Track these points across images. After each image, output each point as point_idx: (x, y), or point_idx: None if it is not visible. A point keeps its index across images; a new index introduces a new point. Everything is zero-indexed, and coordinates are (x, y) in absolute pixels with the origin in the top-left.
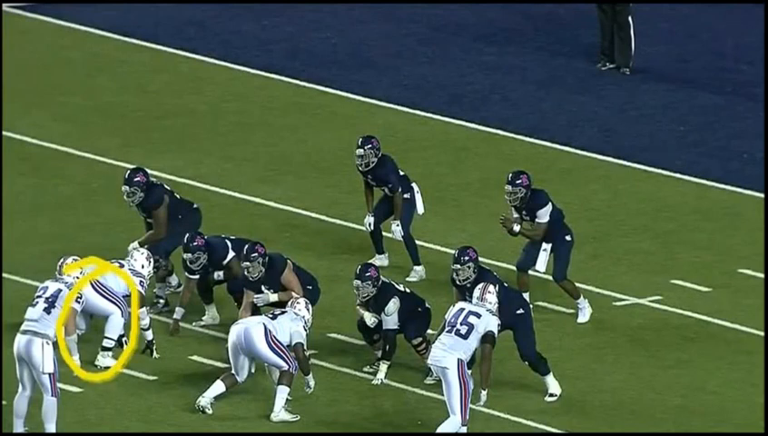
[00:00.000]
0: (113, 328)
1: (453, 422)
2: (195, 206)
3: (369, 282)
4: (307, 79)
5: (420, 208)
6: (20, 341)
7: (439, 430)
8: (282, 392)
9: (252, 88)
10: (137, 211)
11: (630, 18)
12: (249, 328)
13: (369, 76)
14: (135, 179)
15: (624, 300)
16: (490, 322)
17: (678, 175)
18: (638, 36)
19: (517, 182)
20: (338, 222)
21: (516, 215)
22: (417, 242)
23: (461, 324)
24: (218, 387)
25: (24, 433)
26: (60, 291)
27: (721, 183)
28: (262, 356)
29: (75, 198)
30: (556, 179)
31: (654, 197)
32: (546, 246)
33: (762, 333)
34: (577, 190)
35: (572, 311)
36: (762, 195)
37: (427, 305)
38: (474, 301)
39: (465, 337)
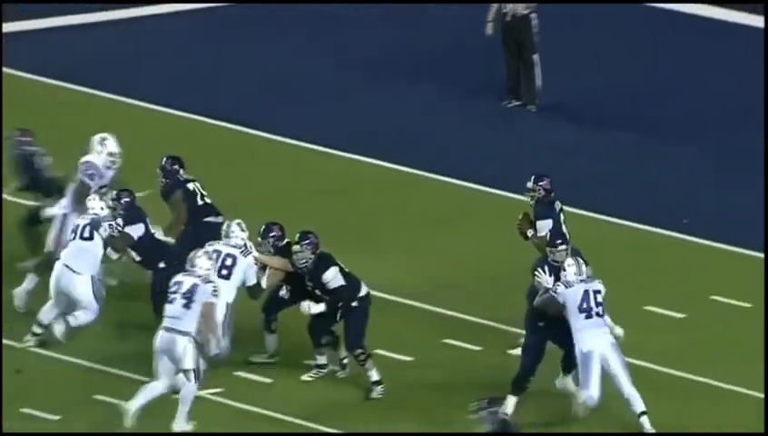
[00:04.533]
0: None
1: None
2: (218, 218)
3: (309, 248)
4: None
5: None
6: (162, 337)
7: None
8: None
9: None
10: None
11: (536, 56)
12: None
13: (276, 113)
14: (163, 164)
15: None
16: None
17: (584, 212)
18: (545, 73)
19: (540, 182)
20: None
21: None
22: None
23: (597, 306)
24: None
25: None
26: (196, 285)
27: (627, 220)
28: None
29: None
30: (462, 216)
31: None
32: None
33: (670, 371)
34: (485, 227)
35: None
36: (662, 231)
37: (364, 292)
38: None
39: (601, 315)
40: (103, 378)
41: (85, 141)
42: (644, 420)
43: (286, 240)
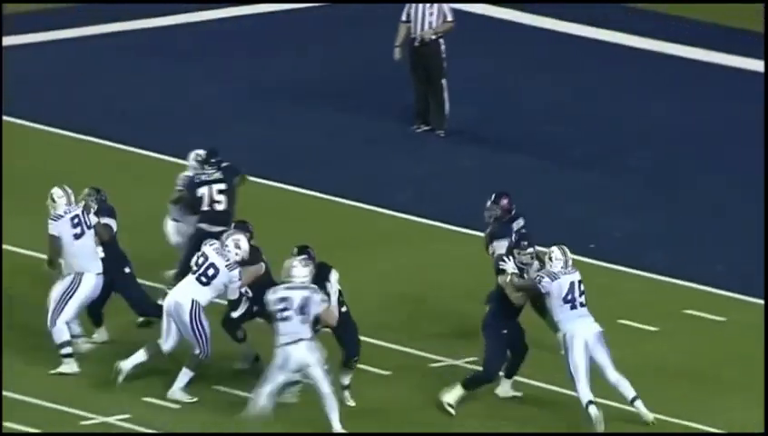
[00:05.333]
0: None
1: None
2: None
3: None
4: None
5: None
6: (296, 351)
7: None
8: (186, 375)
9: (66, 149)
10: None
11: (444, 81)
12: (179, 300)
13: (184, 138)
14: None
15: (441, 361)
16: None
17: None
18: (453, 98)
19: (499, 201)
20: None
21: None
22: None
23: (580, 296)
24: (139, 356)
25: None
26: (307, 299)
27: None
28: (184, 330)
29: None
30: (374, 241)
31: (471, 258)
32: None
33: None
34: (394, 252)
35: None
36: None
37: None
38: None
39: (585, 304)
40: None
41: None
42: (639, 403)
43: (252, 240)
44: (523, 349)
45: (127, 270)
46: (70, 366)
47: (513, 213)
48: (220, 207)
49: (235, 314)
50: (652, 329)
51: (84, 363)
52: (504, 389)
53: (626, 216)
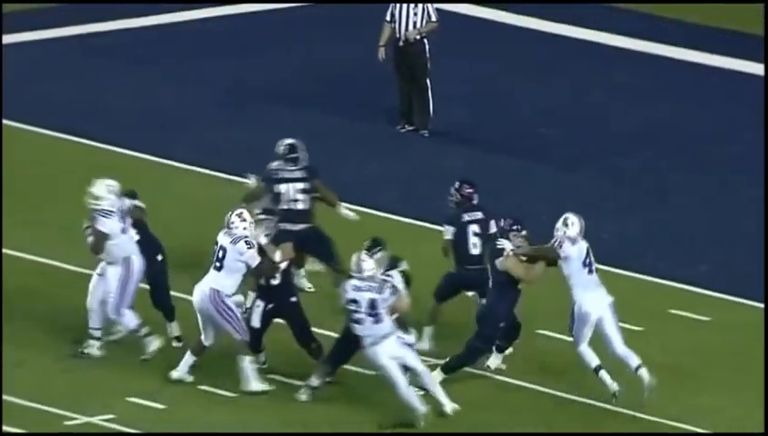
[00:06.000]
0: None
1: None
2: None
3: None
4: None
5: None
6: (381, 349)
7: None
8: (244, 361)
9: (48, 149)
10: None
11: (428, 81)
12: (201, 293)
13: (166, 139)
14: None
15: (426, 361)
16: None
17: None
18: (436, 98)
19: (461, 188)
20: None
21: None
22: None
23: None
24: (188, 359)
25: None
26: (374, 300)
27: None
28: (214, 321)
29: None
30: (359, 241)
31: None
32: None
33: None
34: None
35: None
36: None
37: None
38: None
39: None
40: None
41: None
42: (643, 371)
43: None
44: (517, 324)
45: (160, 257)
46: (154, 343)
47: (473, 202)
48: (300, 206)
49: (254, 323)
50: (638, 329)
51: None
52: (495, 362)
53: (615, 218)
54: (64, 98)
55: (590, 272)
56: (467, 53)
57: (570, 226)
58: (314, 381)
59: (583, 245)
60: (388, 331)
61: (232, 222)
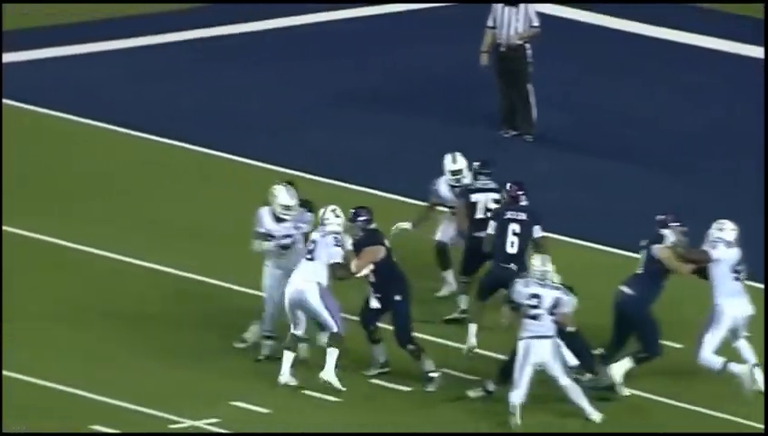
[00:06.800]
0: None
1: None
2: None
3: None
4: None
5: None
6: (539, 347)
7: None
8: (332, 354)
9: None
10: None
11: (530, 85)
12: (299, 287)
13: (269, 143)
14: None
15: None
16: None
17: (570, 239)
18: (538, 103)
19: (510, 187)
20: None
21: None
22: None
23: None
24: (288, 358)
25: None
26: (559, 299)
27: (610, 246)
28: (313, 314)
29: None
30: None
31: (573, 265)
32: None
33: None
34: None
35: None
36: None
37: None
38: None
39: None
40: None
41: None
42: (756, 370)
43: (374, 224)
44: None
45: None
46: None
47: (520, 203)
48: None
49: (371, 305)
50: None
51: (176, 368)
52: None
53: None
54: (185, 103)
55: (737, 278)
56: (555, 54)
57: (726, 231)
58: (490, 386)
59: (736, 251)
60: (551, 333)
61: (327, 218)
